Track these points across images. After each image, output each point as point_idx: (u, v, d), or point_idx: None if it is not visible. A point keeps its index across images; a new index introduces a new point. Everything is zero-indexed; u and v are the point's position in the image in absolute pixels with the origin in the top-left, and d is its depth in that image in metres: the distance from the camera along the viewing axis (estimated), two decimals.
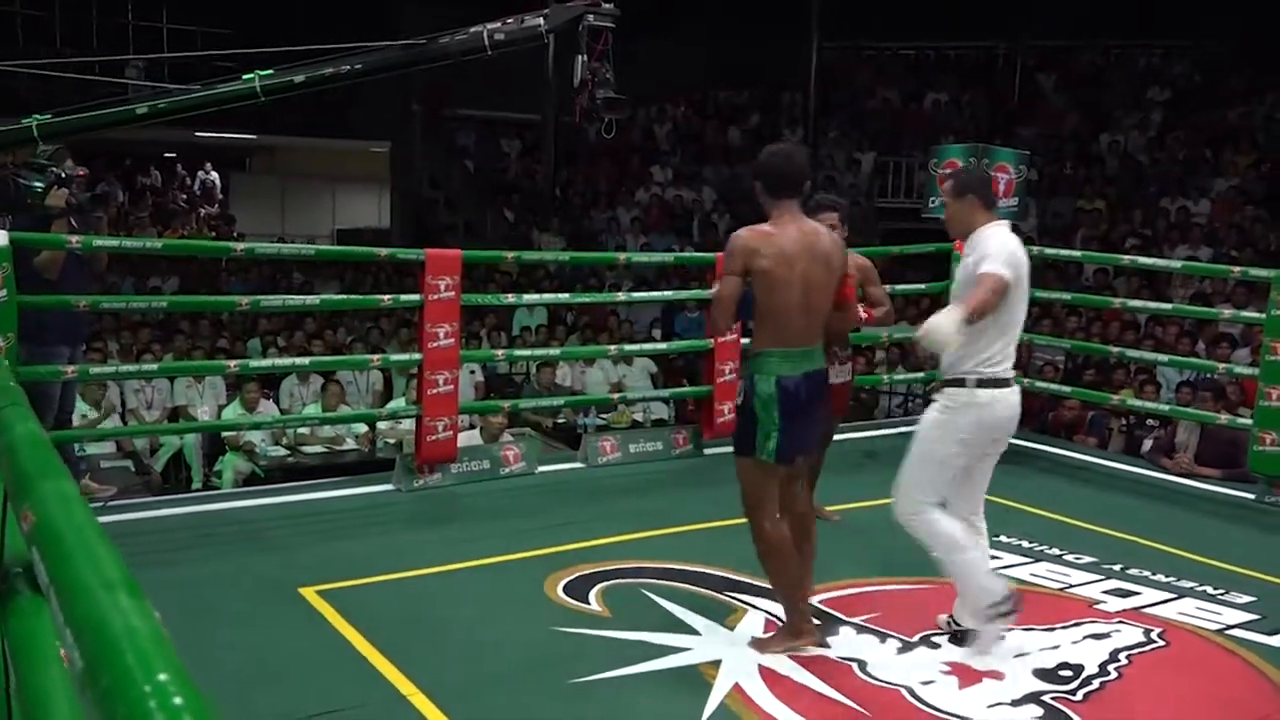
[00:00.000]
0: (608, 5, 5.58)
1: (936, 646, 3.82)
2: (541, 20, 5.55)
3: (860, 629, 3.93)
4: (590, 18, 5.51)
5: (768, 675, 3.55)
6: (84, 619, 0.96)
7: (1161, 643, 3.95)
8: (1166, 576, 4.65)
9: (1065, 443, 7.74)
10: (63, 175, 5.22)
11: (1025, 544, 5.02)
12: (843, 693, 3.46)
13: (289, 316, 10.60)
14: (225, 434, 8.07)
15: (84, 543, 1.13)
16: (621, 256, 9.61)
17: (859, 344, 8.69)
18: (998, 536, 5.05)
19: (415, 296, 5.65)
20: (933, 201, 7.53)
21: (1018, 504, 5.58)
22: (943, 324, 3.39)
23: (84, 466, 6.34)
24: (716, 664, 3.62)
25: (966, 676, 3.60)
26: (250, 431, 7.94)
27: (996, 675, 3.62)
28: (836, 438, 5.19)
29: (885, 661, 3.68)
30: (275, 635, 3.80)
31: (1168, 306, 8.34)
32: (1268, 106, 14.19)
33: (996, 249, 3.63)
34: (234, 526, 5.05)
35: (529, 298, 7.97)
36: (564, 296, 9.35)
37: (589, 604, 4.13)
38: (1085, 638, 3.95)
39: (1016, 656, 3.74)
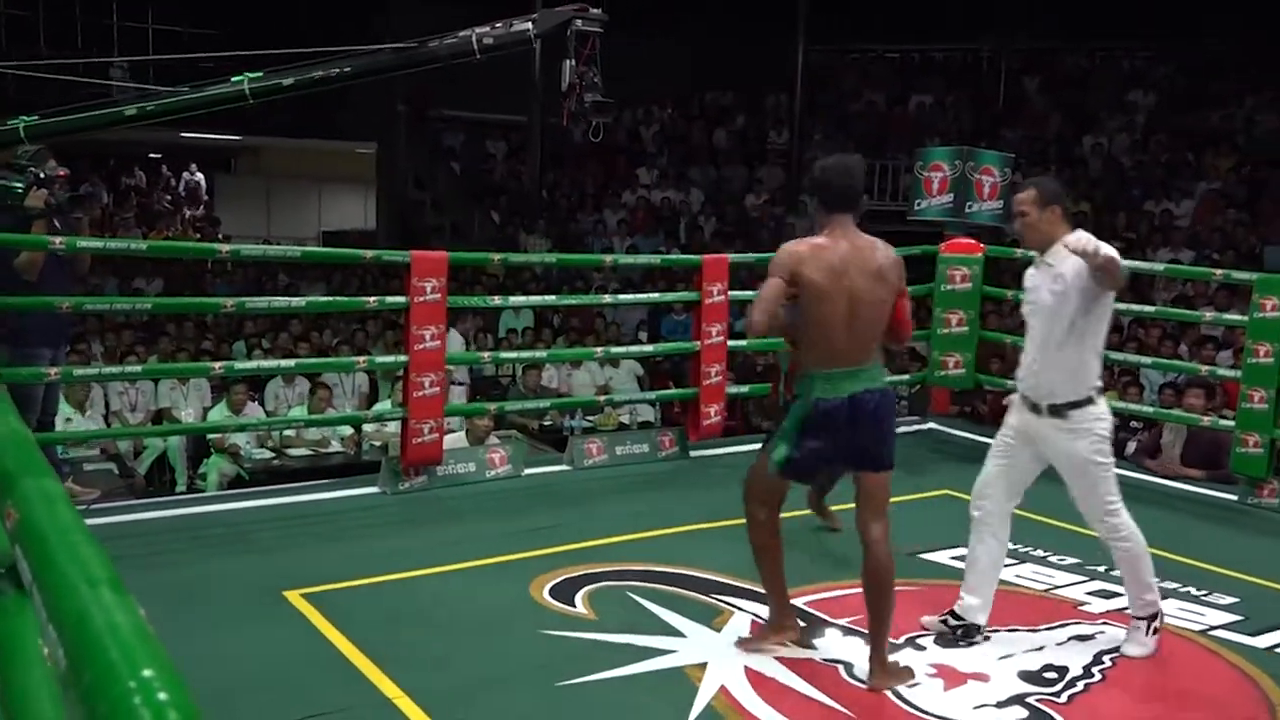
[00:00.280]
0: (595, 10, 5.59)
1: (922, 648, 3.83)
2: (530, 25, 5.55)
3: (846, 631, 3.94)
4: (578, 22, 5.52)
5: (754, 677, 3.56)
6: (67, 616, 0.96)
7: None
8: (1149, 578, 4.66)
9: None
10: (42, 176, 5.18)
11: (1010, 545, 5.03)
12: (829, 695, 3.47)
13: (274, 318, 10.56)
14: (210, 436, 8.03)
15: (68, 540, 1.12)
16: (608, 259, 9.62)
17: None
18: None
19: (401, 298, 5.64)
20: (919, 204, 7.56)
21: None
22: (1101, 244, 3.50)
23: (67, 469, 6.30)
24: (703, 666, 3.62)
25: (952, 678, 3.61)
26: (235, 434, 7.91)
27: (982, 677, 3.63)
28: None
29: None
30: (260, 639, 3.78)
31: (1151, 309, 8.38)
32: (1249, 110, 14.28)
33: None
34: (218, 529, 5.03)
35: (515, 300, 7.96)
36: (550, 299, 9.35)
37: (575, 607, 4.13)
38: (1070, 639, 3.97)
39: (1001, 658, 3.76)
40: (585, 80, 5.51)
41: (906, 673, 3.58)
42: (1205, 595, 4.47)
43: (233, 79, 5.51)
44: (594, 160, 16.79)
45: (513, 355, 8.75)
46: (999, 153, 8.05)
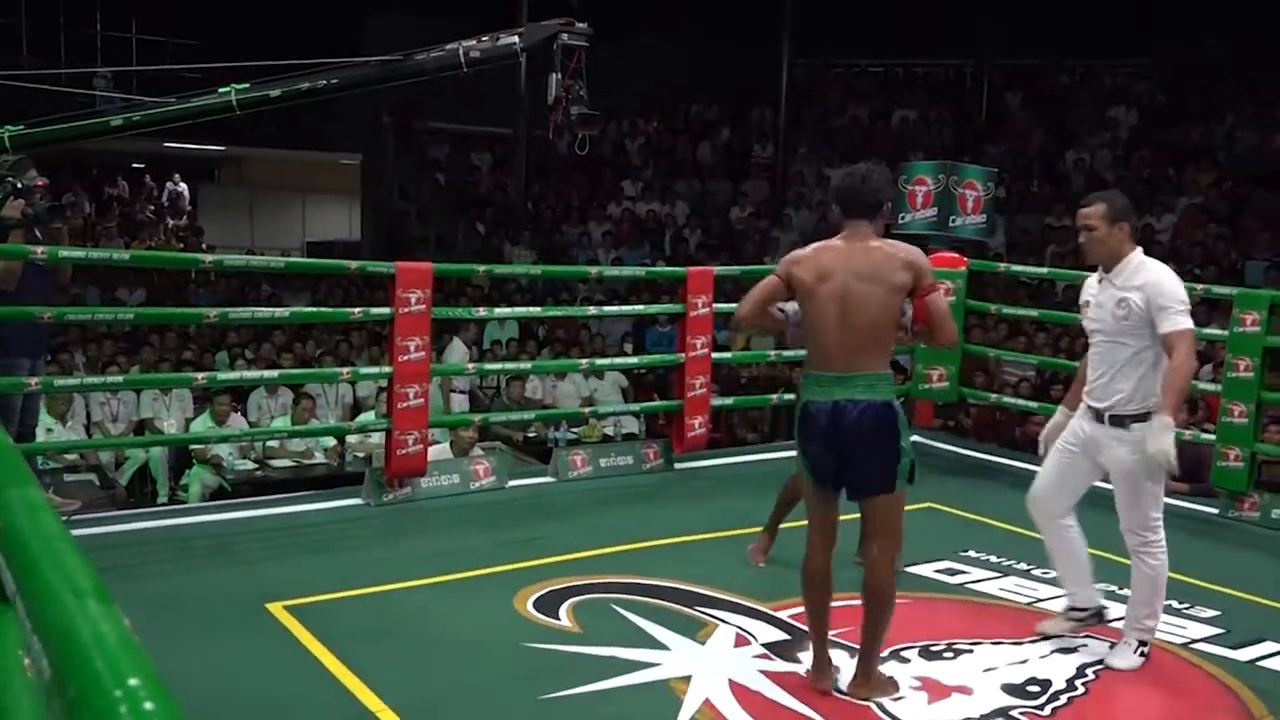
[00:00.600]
0: (581, 24, 5.61)
1: (906, 661, 3.83)
2: (517, 39, 5.57)
3: (831, 644, 3.93)
4: (564, 36, 5.55)
5: (738, 690, 3.55)
6: (52, 626, 0.95)
7: None
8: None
9: (1033, 458, 7.77)
10: (19, 186, 5.15)
11: (994, 559, 5.06)
12: (813, 708, 3.46)
13: (257, 329, 10.52)
14: (193, 447, 7.98)
15: (51, 550, 1.12)
16: (593, 270, 9.62)
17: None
18: (966, 551, 5.10)
19: (386, 310, 5.62)
20: (903, 217, 7.59)
21: (986, 519, 5.61)
22: (1168, 442, 3.57)
23: (48, 480, 6.26)
24: (687, 679, 3.61)
25: (936, 691, 3.62)
26: (218, 445, 7.87)
27: (965, 690, 3.63)
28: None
29: (831, 688, 3.68)
30: (242, 651, 3.76)
31: None
32: (1229, 126, 14.41)
33: (1175, 288, 3.70)
34: (201, 541, 5.00)
35: (500, 311, 7.95)
36: (535, 310, 9.35)
37: (559, 619, 4.12)
38: (1053, 652, 3.98)
39: (984, 671, 3.77)
40: (571, 93, 5.53)
41: (890, 685, 3.57)
42: (1187, 608, 4.48)
43: (220, 90, 5.50)
44: (579, 173, 16.81)
45: (497, 367, 8.74)
46: (982, 167, 8.10)
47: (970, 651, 3.94)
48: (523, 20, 11.81)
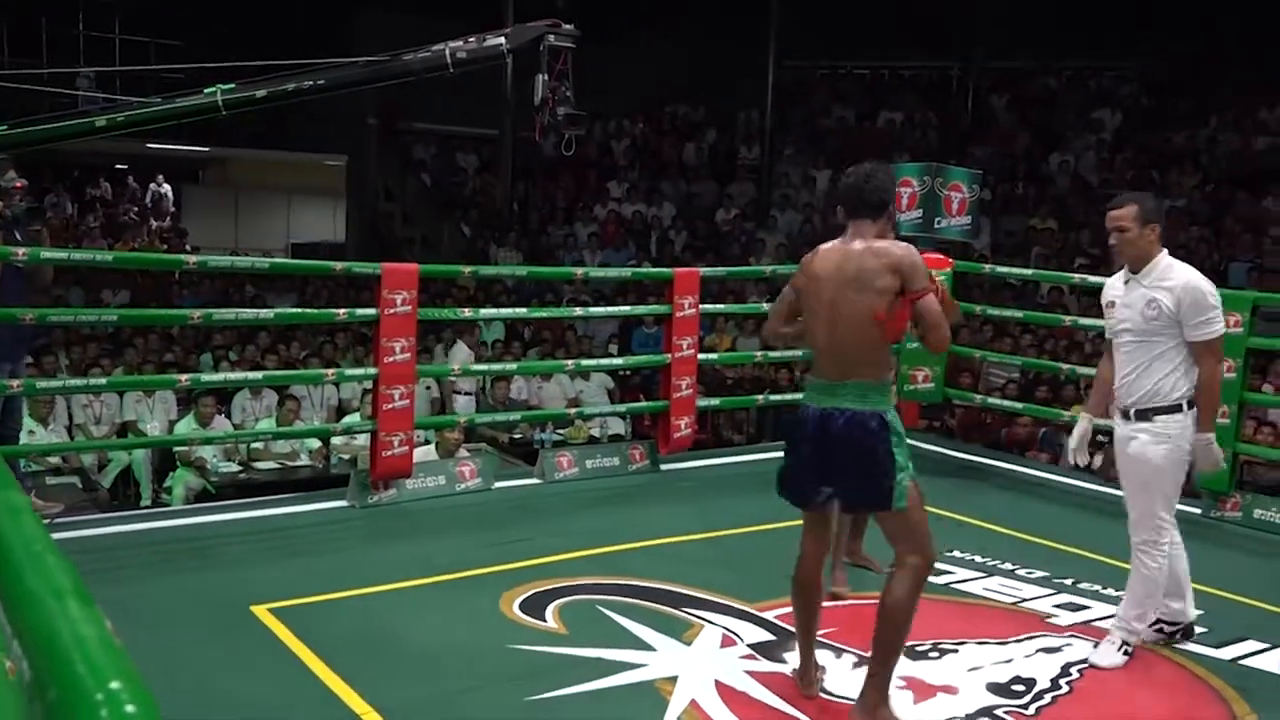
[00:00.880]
0: (568, 26, 5.61)
1: None
2: (503, 40, 5.57)
3: (817, 644, 3.94)
4: (551, 37, 5.55)
5: (724, 691, 3.55)
6: (33, 629, 0.94)
7: None
8: (1116, 590, 4.68)
9: (1018, 459, 7.84)
10: None
11: (978, 559, 5.07)
12: (799, 708, 3.47)
13: (242, 330, 10.48)
14: (177, 449, 7.94)
15: (32, 552, 1.11)
16: (579, 271, 9.63)
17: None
18: (951, 551, 5.11)
19: (371, 311, 5.61)
20: None
21: (971, 519, 5.64)
22: (1217, 454, 3.76)
23: (30, 483, 6.22)
24: (673, 680, 3.61)
25: (921, 690, 3.63)
26: (202, 447, 7.83)
27: (950, 689, 3.64)
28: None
29: (841, 676, 3.69)
30: (226, 655, 3.74)
31: None
32: (1212, 129, 14.50)
33: (1207, 294, 3.77)
34: (184, 544, 4.97)
35: (486, 312, 7.94)
36: (521, 311, 9.34)
37: (545, 621, 4.11)
38: (1037, 651, 4.00)
39: (970, 670, 3.78)
40: (557, 94, 5.52)
41: None
42: None
43: (205, 90, 5.48)
44: (565, 174, 16.81)
45: (483, 368, 8.72)
46: (967, 169, 8.12)
47: (955, 651, 3.95)
48: (509, 21, 11.81)
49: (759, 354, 8.53)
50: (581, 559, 4.85)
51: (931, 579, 4.72)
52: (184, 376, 6.88)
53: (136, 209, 20.91)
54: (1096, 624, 4.29)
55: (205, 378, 7.69)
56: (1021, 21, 15.97)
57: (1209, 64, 15.11)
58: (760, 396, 8.60)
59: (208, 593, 4.31)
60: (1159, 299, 3.79)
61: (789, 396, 8.22)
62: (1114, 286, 4.02)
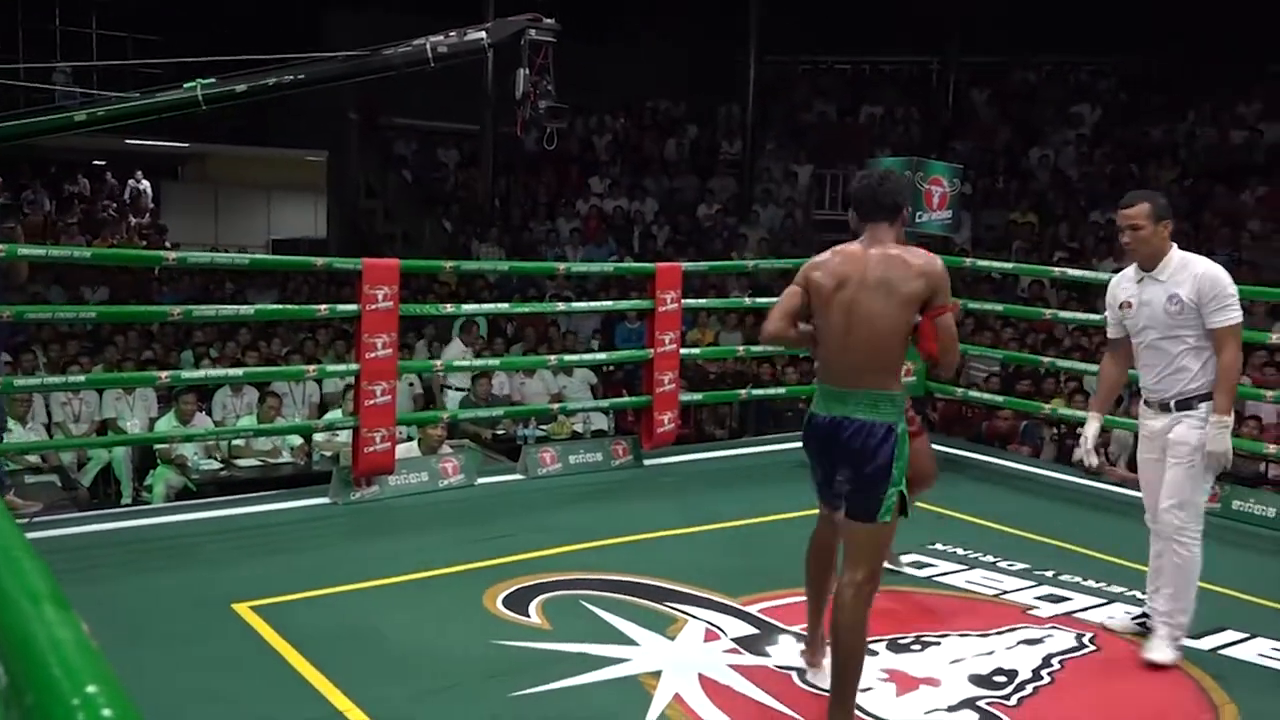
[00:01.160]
0: (549, 20, 5.60)
1: (874, 654, 3.85)
2: (484, 34, 5.56)
3: (800, 638, 3.95)
4: (532, 32, 5.54)
5: (708, 685, 3.56)
6: (8, 632, 0.93)
7: (1092, 647, 4.04)
8: (1097, 582, 4.75)
9: (1000, 452, 7.88)
10: None
11: (960, 551, 5.10)
12: (782, 701, 3.48)
13: (222, 327, 10.42)
14: (157, 447, 7.89)
15: (7, 554, 1.10)
16: (561, 266, 9.63)
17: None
18: (933, 544, 5.13)
19: (352, 307, 5.59)
20: None
21: (953, 512, 5.66)
22: (1227, 442, 3.78)
23: (8, 482, 6.17)
24: (657, 674, 3.62)
25: (904, 683, 3.64)
26: (183, 445, 7.79)
27: (933, 681, 3.66)
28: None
29: (824, 669, 3.70)
30: (208, 653, 3.72)
31: (1097, 317, 8.50)
32: (1190, 124, 14.60)
33: (1225, 283, 3.81)
34: (165, 542, 4.95)
35: (468, 308, 7.92)
36: (504, 306, 9.32)
37: (529, 616, 4.11)
38: (1019, 643, 4.02)
39: (952, 663, 3.80)
40: (539, 89, 5.52)
41: None
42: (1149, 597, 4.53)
43: (185, 85, 5.45)
44: (547, 169, 16.77)
45: (465, 364, 8.70)
46: (948, 164, 8.14)
47: (938, 644, 3.97)
48: (489, 16, 11.78)
49: (741, 349, 8.53)
50: (565, 554, 4.85)
51: (914, 572, 4.78)
52: (164, 374, 6.84)
53: (115, 205, 20.75)
54: (1078, 615, 4.32)
55: (186, 375, 7.65)
56: (1001, 17, 16.05)
57: (1187, 59, 15.22)
58: (743, 391, 8.61)
59: (188, 591, 4.29)
60: (1179, 293, 3.82)
61: (771, 391, 8.25)
62: (1124, 286, 4.02)
